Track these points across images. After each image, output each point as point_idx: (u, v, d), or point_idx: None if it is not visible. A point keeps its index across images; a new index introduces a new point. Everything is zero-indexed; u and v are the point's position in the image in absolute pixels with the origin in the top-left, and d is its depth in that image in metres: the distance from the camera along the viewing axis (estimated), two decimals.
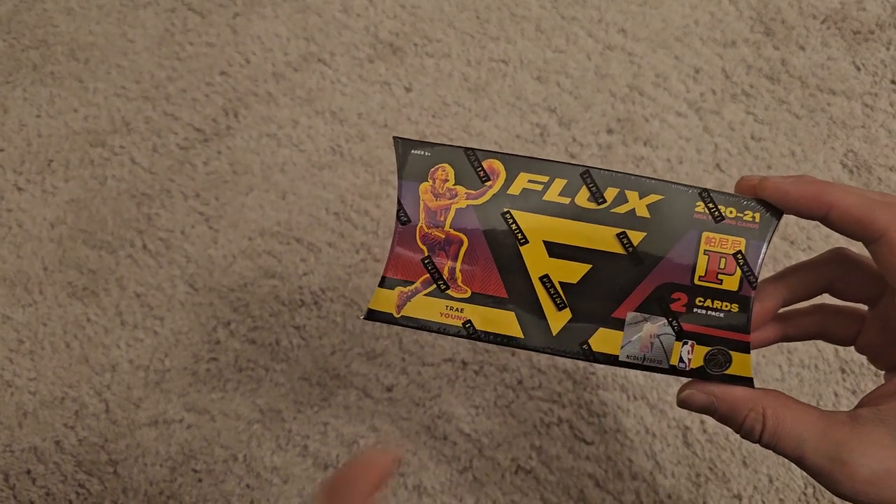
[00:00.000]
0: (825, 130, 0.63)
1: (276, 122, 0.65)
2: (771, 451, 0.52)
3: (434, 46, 0.66)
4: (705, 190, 0.33)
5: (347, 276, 0.60)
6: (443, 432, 0.56)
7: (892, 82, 0.64)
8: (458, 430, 0.56)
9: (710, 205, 0.33)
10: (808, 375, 0.56)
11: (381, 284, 0.34)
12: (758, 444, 0.35)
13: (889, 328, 0.35)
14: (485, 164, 0.34)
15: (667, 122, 0.63)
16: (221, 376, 0.58)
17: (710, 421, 0.55)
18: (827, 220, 0.32)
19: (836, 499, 0.53)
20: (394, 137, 0.35)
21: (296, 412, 0.56)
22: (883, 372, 0.37)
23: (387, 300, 0.34)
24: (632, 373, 0.56)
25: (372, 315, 0.34)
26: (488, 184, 0.34)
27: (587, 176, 0.34)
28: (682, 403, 0.34)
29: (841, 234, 0.33)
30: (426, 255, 0.34)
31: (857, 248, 0.34)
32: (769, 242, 0.34)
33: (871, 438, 0.31)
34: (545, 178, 0.34)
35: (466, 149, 0.34)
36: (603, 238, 0.33)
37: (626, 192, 0.34)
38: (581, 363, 0.57)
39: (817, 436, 0.32)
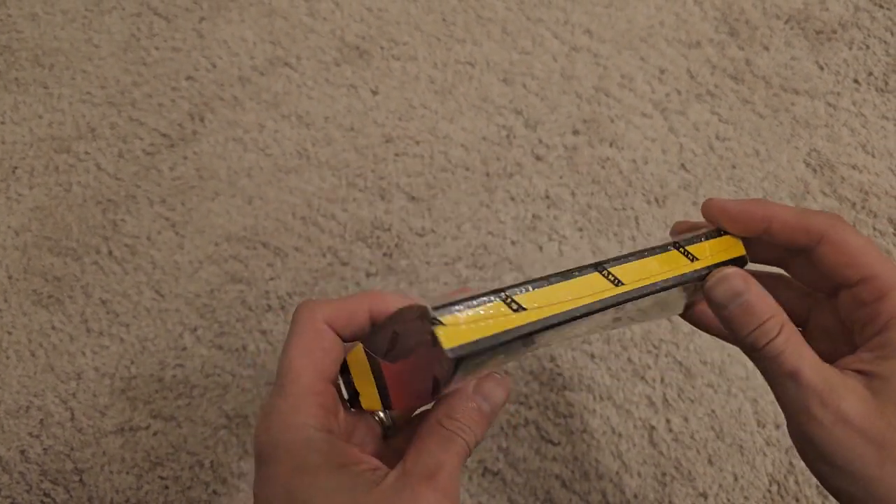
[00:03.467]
0: (789, 130, 0.63)
1: (242, 127, 0.64)
2: (732, 444, 0.52)
3: (400, 49, 0.66)
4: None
5: (314, 280, 0.60)
6: None
7: (855, 81, 0.64)
8: None
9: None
10: None
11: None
12: (751, 350, 0.35)
13: (834, 326, 0.36)
14: None
15: (632, 122, 0.64)
16: (188, 382, 0.57)
17: (676, 420, 0.55)
18: (769, 232, 0.35)
19: (800, 495, 0.53)
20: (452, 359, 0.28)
21: None
22: None
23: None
24: (598, 373, 0.57)
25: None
26: None
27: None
28: (711, 290, 0.35)
29: (783, 245, 0.35)
30: None
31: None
32: None
33: (854, 385, 0.32)
34: None
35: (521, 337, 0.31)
36: None
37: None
38: (546, 365, 0.57)
39: (814, 360, 0.33)
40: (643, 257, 0.34)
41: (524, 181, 0.62)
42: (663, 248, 0.35)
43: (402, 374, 0.33)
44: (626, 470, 0.55)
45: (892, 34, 0.65)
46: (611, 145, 0.63)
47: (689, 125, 0.63)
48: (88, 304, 0.60)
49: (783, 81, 0.65)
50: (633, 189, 0.62)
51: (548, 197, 0.61)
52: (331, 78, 0.66)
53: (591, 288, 0.32)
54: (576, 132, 0.63)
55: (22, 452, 0.56)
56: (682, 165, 0.62)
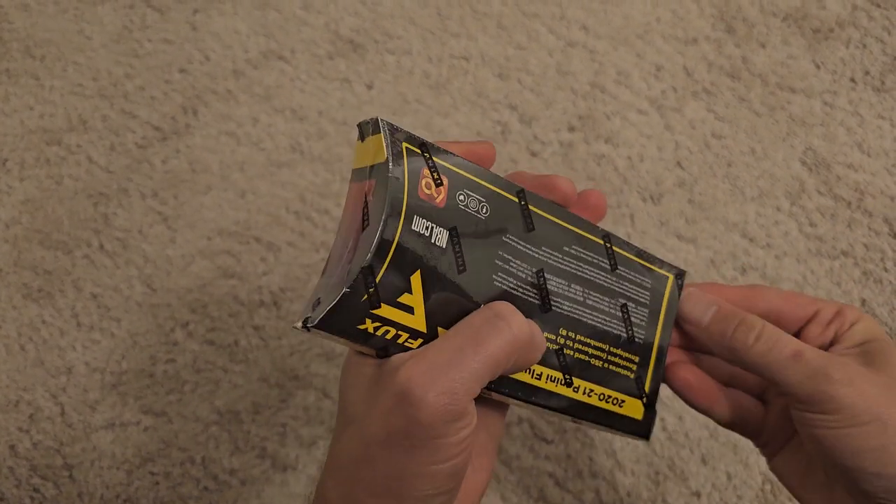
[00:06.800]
0: (785, 128, 0.63)
1: (235, 120, 0.64)
2: (725, 442, 0.52)
3: (395, 43, 0.66)
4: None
5: (307, 275, 0.59)
6: None
7: (852, 80, 0.64)
8: None
9: None
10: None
11: None
12: (739, 352, 0.37)
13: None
14: None
15: (628, 119, 0.63)
16: (179, 378, 0.57)
17: (670, 419, 0.55)
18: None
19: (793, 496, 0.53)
20: None
21: (254, 413, 0.56)
22: None
23: None
24: None
25: None
26: None
27: None
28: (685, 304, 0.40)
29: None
30: None
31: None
32: None
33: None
34: None
35: None
36: None
37: None
38: None
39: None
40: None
41: None
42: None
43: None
44: (619, 468, 0.55)
45: (889, 34, 0.65)
46: (606, 142, 0.63)
47: (685, 122, 0.63)
48: (79, 299, 0.59)
49: (780, 79, 0.64)
50: (628, 186, 0.61)
51: None
52: (324, 72, 0.65)
53: None
54: (571, 128, 0.63)
55: (11, 447, 0.55)
56: (678, 163, 0.62)
